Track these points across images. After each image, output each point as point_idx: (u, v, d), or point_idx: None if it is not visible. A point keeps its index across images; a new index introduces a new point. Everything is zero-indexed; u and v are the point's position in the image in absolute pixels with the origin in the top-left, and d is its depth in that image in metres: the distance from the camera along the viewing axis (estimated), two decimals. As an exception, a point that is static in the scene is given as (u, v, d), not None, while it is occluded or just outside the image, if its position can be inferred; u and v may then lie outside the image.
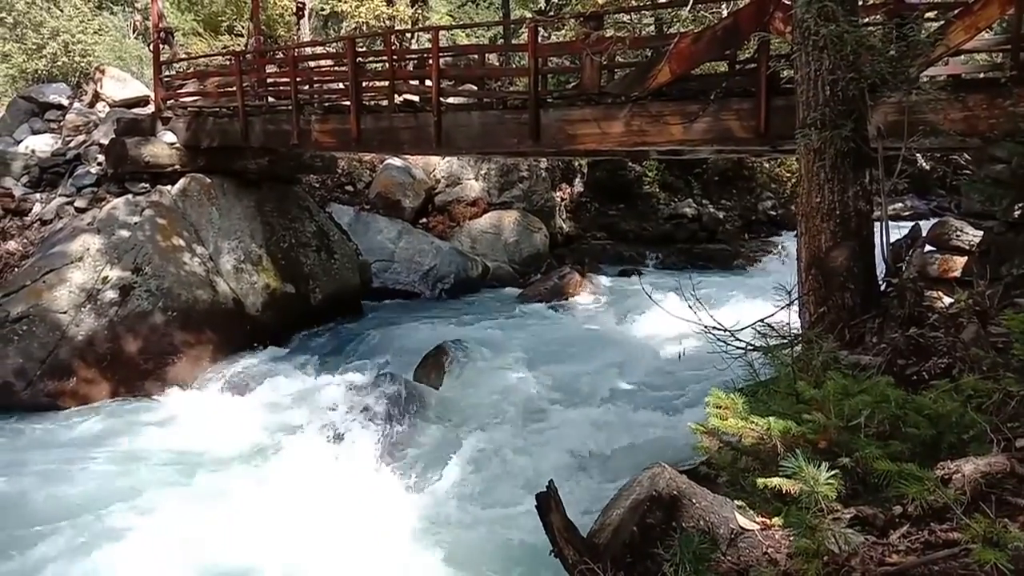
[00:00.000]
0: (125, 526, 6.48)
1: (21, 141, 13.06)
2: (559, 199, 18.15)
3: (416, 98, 9.71)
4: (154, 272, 10.54)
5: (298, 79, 10.43)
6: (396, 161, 16.38)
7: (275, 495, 6.96)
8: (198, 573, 5.82)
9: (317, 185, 15.76)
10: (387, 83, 9.66)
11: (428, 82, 9.10)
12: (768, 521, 2.78)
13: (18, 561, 5.99)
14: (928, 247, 5.97)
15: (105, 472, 7.56)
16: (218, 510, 6.68)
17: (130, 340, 10.05)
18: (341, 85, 10.50)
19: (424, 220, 16.44)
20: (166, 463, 7.77)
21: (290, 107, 10.40)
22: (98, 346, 9.81)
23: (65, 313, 9.77)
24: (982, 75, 6.65)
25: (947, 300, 5.18)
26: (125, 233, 10.67)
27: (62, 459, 7.91)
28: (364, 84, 9.94)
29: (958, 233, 5.73)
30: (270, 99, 11.39)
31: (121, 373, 9.90)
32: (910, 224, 6.75)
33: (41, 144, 12.83)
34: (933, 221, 6.45)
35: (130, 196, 11.21)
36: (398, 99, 9.71)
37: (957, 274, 5.56)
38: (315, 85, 11.05)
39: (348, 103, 9.77)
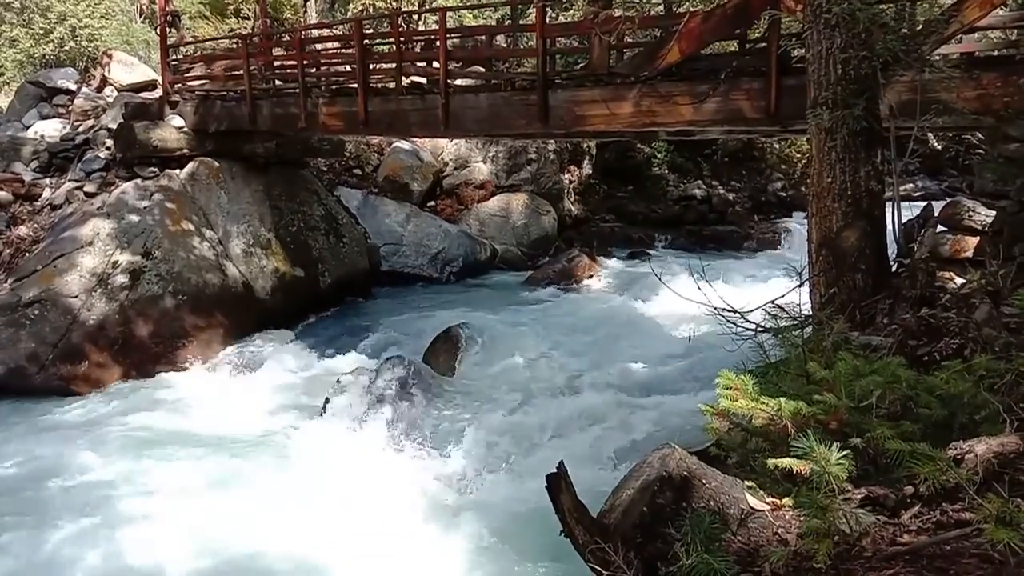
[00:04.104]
0: (138, 508, 6.55)
1: (30, 126, 13.10)
2: (567, 181, 18.08)
3: (424, 80, 9.66)
4: (164, 256, 10.58)
5: (305, 62, 10.38)
6: (404, 144, 16.34)
7: (286, 477, 7.02)
8: (212, 553, 5.88)
9: (325, 169, 15.74)
10: (394, 65, 9.61)
11: (435, 64, 9.05)
12: (778, 502, 2.78)
13: (33, 543, 6.06)
14: (940, 227, 5.93)
15: (118, 455, 7.62)
16: (230, 492, 6.74)
17: (141, 324, 10.11)
18: (348, 68, 10.45)
19: (432, 203, 16.41)
20: (178, 446, 7.82)
21: (297, 90, 10.37)
22: (109, 330, 9.87)
23: (76, 297, 9.82)
24: (996, 53, 6.56)
25: (959, 280, 5.15)
26: (135, 217, 10.70)
27: (75, 442, 7.98)
28: (371, 66, 9.90)
29: (970, 213, 5.68)
30: (277, 82, 11.36)
31: (133, 357, 9.96)
32: (922, 205, 6.69)
33: (50, 129, 12.85)
34: (945, 201, 6.39)
35: (139, 180, 11.23)
36: (405, 81, 9.66)
37: (969, 254, 5.52)
38: (322, 68, 11.00)
39: (355, 86, 9.73)
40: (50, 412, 8.90)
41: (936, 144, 19.58)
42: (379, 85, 10.01)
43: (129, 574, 5.67)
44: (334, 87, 10.41)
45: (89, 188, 11.31)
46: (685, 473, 2.77)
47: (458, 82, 9.51)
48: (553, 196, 17.29)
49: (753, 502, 2.75)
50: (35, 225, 11.03)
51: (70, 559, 5.87)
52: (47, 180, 11.80)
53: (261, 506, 6.46)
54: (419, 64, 10.02)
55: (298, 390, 9.34)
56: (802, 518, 2.53)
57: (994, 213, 5.48)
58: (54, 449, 7.83)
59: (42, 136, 12.63)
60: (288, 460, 7.43)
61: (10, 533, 6.22)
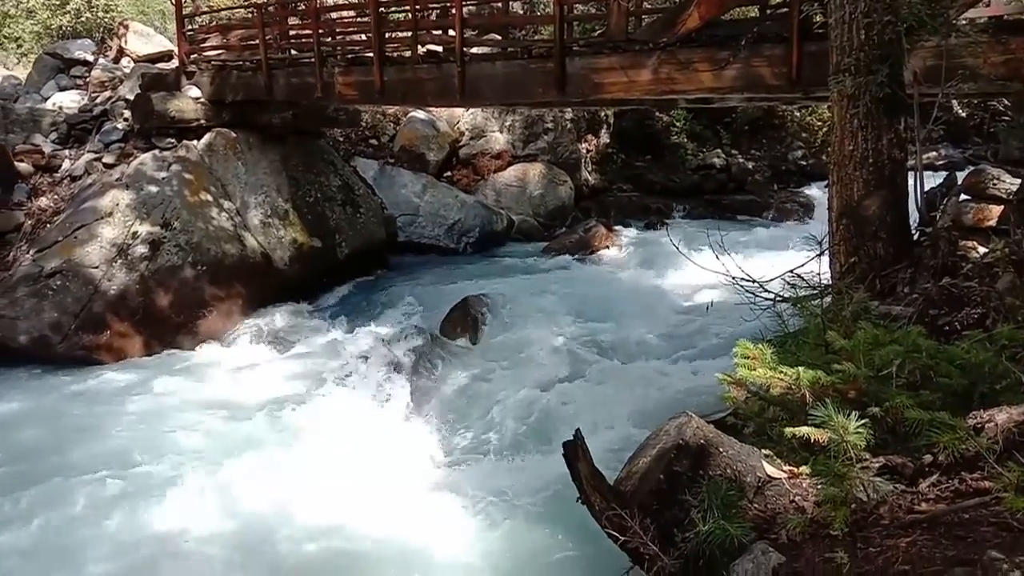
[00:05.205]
0: (161, 473, 6.66)
1: (48, 98, 13.14)
2: (584, 151, 17.94)
3: (439, 48, 9.58)
4: (183, 227, 10.64)
5: (320, 31, 10.32)
6: (420, 114, 16.27)
7: (305, 445, 7.10)
8: (232, 517, 5.98)
9: (341, 139, 15.72)
10: (410, 33, 9.53)
11: (451, 32, 8.97)
12: (795, 470, 2.79)
13: (57, 509, 6.18)
14: (963, 196, 5.85)
15: (141, 422, 7.74)
16: (250, 459, 6.83)
17: (161, 294, 10.20)
18: (364, 36, 10.38)
19: (448, 173, 16.35)
20: (200, 413, 7.93)
21: (313, 60, 10.33)
22: (130, 300, 9.98)
23: (97, 268, 9.92)
24: (1025, 16, 6.40)
25: (982, 250, 5.09)
26: (153, 188, 10.75)
27: (99, 410, 8.11)
28: (387, 35, 9.82)
29: (995, 181, 5.60)
30: (293, 52, 11.32)
31: (153, 327, 10.07)
32: (944, 173, 6.59)
33: (68, 101, 12.89)
34: (969, 170, 6.29)
35: (157, 151, 11.26)
36: (421, 50, 9.59)
37: (993, 223, 5.44)
38: (338, 37, 10.94)
39: (371, 55, 9.67)
40: (73, 380, 9.03)
41: (960, 111, 19.25)
42: (395, 54, 9.94)
43: (152, 537, 5.78)
44: (350, 56, 10.35)
45: (108, 159, 11.36)
46: (702, 441, 2.78)
47: (474, 50, 9.42)
48: (570, 166, 17.17)
49: (770, 470, 2.76)
50: (55, 196, 11.12)
51: (93, 523, 5.99)
52: (66, 151, 11.87)
53: (280, 473, 6.55)
54: (435, 32, 9.95)
55: (317, 360, 9.41)
56: (819, 486, 2.54)
57: (1019, 181, 5.39)
58: (78, 416, 7.97)
59: (60, 108, 12.68)
60: (307, 429, 7.51)
61: (35, 497, 6.35)
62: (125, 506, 6.19)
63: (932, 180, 5.87)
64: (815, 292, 4.44)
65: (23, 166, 11.27)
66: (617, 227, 15.41)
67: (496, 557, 5.41)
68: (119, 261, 10.06)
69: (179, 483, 6.50)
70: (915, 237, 5.30)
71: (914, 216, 5.35)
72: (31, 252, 10.13)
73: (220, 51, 12.16)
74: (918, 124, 5.27)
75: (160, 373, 9.21)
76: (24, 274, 9.79)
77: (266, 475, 6.52)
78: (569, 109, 16.48)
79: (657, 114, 18.12)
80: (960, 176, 6.13)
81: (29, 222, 10.69)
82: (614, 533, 2.66)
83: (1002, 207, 5.45)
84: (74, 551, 5.67)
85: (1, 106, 12.30)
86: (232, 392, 8.60)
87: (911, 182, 5.28)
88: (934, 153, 17.44)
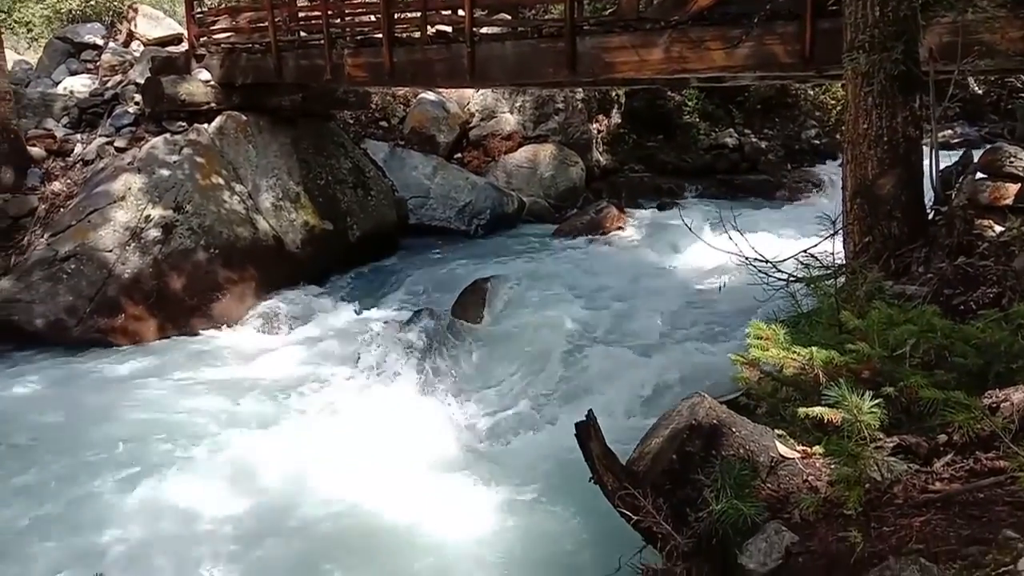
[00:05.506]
0: (177, 453, 6.74)
1: (60, 82, 13.17)
2: (596, 131, 17.83)
3: (449, 29, 9.52)
4: (195, 210, 10.68)
5: (330, 12, 10.28)
6: (430, 95, 16.20)
7: (319, 426, 7.16)
8: (247, 497, 6.05)
9: (351, 121, 15.69)
10: (419, 14, 9.48)
11: (461, 12, 8.90)
12: (809, 450, 2.78)
13: (76, 489, 6.27)
14: (979, 174, 5.77)
15: (156, 403, 7.82)
16: (265, 440, 6.90)
17: (174, 277, 10.26)
18: (373, 17, 10.32)
19: (459, 155, 16.30)
20: (214, 395, 8.00)
21: (322, 41, 10.29)
22: (144, 283, 10.04)
23: (111, 252, 9.98)
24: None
25: (998, 228, 5.03)
26: (165, 172, 10.78)
27: (115, 391, 8.20)
28: (396, 15, 9.77)
29: (1012, 159, 5.52)
30: (302, 34, 11.28)
31: (167, 310, 10.14)
32: (960, 152, 6.51)
33: (79, 85, 12.91)
34: (985, 148, 6.21)
35: (168, 135, 11.28)
36: (431, 30, 9.54)
37: (1009, 202, 5.37)
38: (347, 18, 10.88)
39: (380, 36, 9.63)
40: (89, 363, 9.12)
41: (977, 88, 18.99)
42: (404, 35, 9.89)
43: (169, 515, 5.86)
44: (359, 38, 10.30)
45: (119, 143, 11.39)
46: (714, 421, 2.79)
47: (484, 30, 9.36)
48: (581, 146, 17.08)
49: (783, 450, 2.76)
50: (68, 180, 11.16)
51: (112, 502, 6.08)
52: (78, 136, 11.90)
53: (294, 453, 6.61)
54: (444, 12, 9.86)
55: (330, 342, 9.46)
56: (833, 466, 2.54)
57: (1037, 159, 5.32)
58: (94, 397, 8.06)
59: (71, 92, 12.71)
60: (320, 410, 7.58)
61: (55, 474, 6.46)
62: (142, 483, 6.28)
63: (948, 158, 5.79)
64: (829, 272, 4.41)
65: (36, 151, 11.32)
66: (629, 208, 15.33)
67: (507, 535, 5.46)
68: (132, 245, 10.11)
69: (195, 462, 6.59)
70: (930, 216, 5.25)
71: (929, 195, 5.29)
72: (45, 236, 10.20)
73: (229, 34, 12.12)
74: (933, 102, 5.20)
75: (175, 355, 9.29)
76: (39, 258, 9.87)
77: (280, 454, 6.58)
78: (580, 89, 16.37)
79: (669, 93, 17.98)
80: (976, 154, 6.05)
81: (43, 206, 10.75)
82: (626, 512, 2.67)
83: (1019, 185, 5.38)
84: (93, 527, 5.76)
85: (13, 91, 12.33)
86: (246, 374, 8.67)
87: (926, 161, 5.22)
88: (950, 131, 17.25)
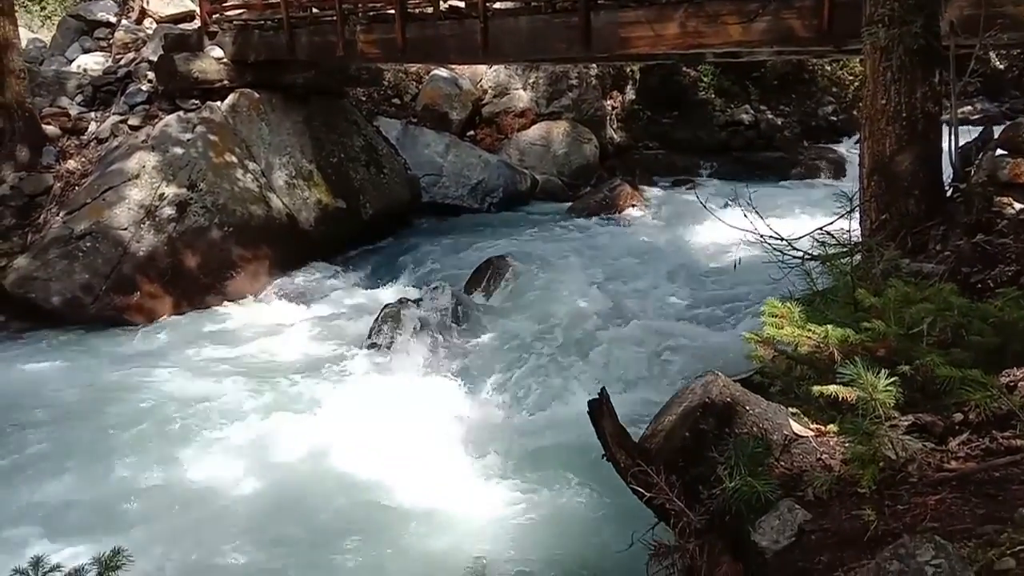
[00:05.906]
0: (194, 430, 6.81)
1: (73, 60, 13.19)
2: (610, 108, 17.69)
3: (462, 4, 9.44)
4: (209, 188, 10.71)
5: (342, -12, 10.21)
6: (442, 72, 16.10)
7: (333, 402, 7.20)
8: (263, 474, 6.12)
9: (364, 98, 15.63)
10: (432, -11, 9.40)
11: (474, -13, 8.82)
12: (823, 428, 2.77)
13: (95, 466, 6.35)
14: (999, 150, 5.68)
15: (173, 380, 7.89)
16: (281, 416, 6.96)
17: (189, 255, 10.31)
18: (385, -7, 10.24)
19: (472, 132, 16.23)
20: (230, 372, 8.07)
21: (335, 18, 10.23)
22: (159, 261, 10.10)
23: (126, 230, 10.03)
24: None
25: (1017, 206, 4.96)
26: (179, 150, 10.80)
27: (131, 368, 8.28)
28: (408, -9, 9.69)
29: (1033, 135, 5.42)
30: (315, 10, 11.21)
31: (182, 287, 10.21)
32: (980, 128, 6.41)
33: (92, 63, 12.93)
34: (1006, 124, 6.11)
35: (181, 113, 11.29)
36: (443, 5, 9.46)
37: (1030, 178, 5.29)
38: (359, -6, 10.80)
39: (393, 11, 9.56)
40: (106, 340, 9.22)
41: (998, 63, 18.66)
42: (416, 10, 9.81)
43: (187, 492, 5.94)
44: (371, 13, 10.23)
45: (133, 121, 11.41)
46: (728, 400, 2.78)
47: (497, 5, 9.26)
48: (595, 123, 16.95)
49: (797, 428, 2.75)
50: (83, 159, 11.21)
51: (131, 479, 6.16)
52: (92, 114, 11.93)
53: (309, 429, 6.67)
54: (457, -13, 9.78)
55: (343, 319, 9.51)
56: (847, 444, 2.52)
57: (1059, 135, 5.23)
58: (111, 374, 8.15)
59: (85, 70, 12.72)
60: (335, 387, 7.62)
61: (75, 451, 6.54)
62: (160, 460, 6.37)
63: (967, 135, 5.70)
64: (845, 250, 4.37)
65: (50, 129, 11.36)
66: (643, 186, 15.25)
67: (520, 512, 5.49)
68: (147, 223, 10.16)
69: (211, 439, 6.66)
70: (948, 193, 5.18)
71: (948, 172, 5.22)
72: (61, 214, 10.27)
73: (242, 10, 12.08)
74: (953, 77, 5.11)
75: (190, 332, 9.37)
76: (55, 236, 9.94)
77: (295, 431, 6.65)
78: (594, 65, 16.22)
79: (684, 69, 17.79)
80: (997, 130, 5.95)
81: (58, 184, 10.80)
82: (639, 489, 2.68)
83: (1040, 162, 5.30)
84: (112, 502, 5.85)
85: (28, 69, 12.36)
86: (260, 351, 8.73)
87: (945, 137, 5.15)
88: (969, 107, 16.96)
